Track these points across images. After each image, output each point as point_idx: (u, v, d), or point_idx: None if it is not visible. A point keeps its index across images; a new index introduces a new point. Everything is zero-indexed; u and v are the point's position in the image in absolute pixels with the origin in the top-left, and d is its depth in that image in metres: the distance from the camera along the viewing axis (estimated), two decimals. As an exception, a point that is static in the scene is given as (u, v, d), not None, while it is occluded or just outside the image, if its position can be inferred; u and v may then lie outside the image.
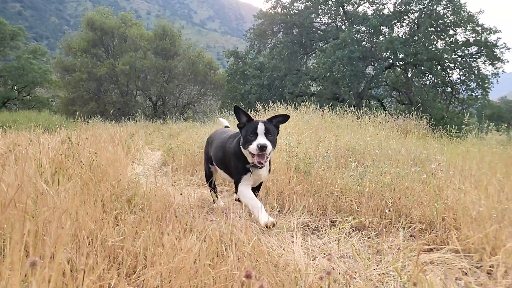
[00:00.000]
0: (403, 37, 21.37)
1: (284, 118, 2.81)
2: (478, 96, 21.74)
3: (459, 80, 22.02)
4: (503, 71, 21.52)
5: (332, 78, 21.36)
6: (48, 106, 31.11)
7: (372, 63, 22.31)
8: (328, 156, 4.28)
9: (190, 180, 4.47)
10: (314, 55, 24.87)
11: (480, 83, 21.03)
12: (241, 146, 2.76)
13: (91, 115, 17.83)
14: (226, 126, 3.89)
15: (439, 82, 21.93)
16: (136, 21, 30.88)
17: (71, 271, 1.89)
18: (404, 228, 2.78)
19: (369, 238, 2.70)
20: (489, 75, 21.30)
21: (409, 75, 22.54)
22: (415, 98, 21.36)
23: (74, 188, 2.76)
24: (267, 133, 2.64)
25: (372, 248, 2.50)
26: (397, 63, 22.23)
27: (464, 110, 20.61)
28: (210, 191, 3.54)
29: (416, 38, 20.91)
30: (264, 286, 0.80)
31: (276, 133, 2.76)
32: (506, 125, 7.00)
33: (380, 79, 22.76)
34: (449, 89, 22.27)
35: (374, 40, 21.67)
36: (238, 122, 2.81)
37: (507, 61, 21.53)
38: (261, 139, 2.59)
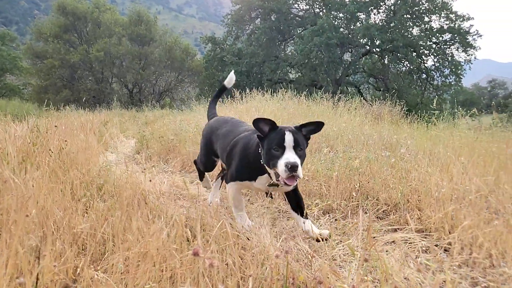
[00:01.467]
0: (380, 23, 21.60)
1: (318, 126, 2.22)
2: (452, 83, 22.33)
3: (433, 67, 22.52)
4: (475, 58, 22.11)
5: (310, 64, 21.46)
6: (20, 94, 30.03)
7: (350, 49, 22.51)
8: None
9: (163, 168, 4.47)
10: (292, 41, 24.84)
11: (454, 69, 21.58)
12: (264, 164, 2.21)
13: (65, 103, 17.39)
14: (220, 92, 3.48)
15: (415, 68, 22.36)
16: (110, 6, 29.99)
17: (38, 258, 1.88)
18: (368, 210, 2.88)
19: (336, 220, 2.78)
20: (462, 62, 21.87)
21: (386, 62, 22.87)
22: (391, 84, 21.75)
23: (42, 177, 2.73)
24: (296, 146, 2.08)
25: (338, 229, 2.58)
26: (374, 49, 22.50)
27: (438, 96, 21.12)
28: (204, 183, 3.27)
29: (392, 24, 21.17)
30: (214, 263, 0.84)
31: (306, 145, 2.22)
32: (474, 109, 7.25)
33: (357, 66, 23.03)
34: (424, 76, 22.76)
35: (351, 27, 21.82)
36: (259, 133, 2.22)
37: (479, 48, 22.13)
38: (290, 155, 2.03)
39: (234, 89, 8.98)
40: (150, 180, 2.96)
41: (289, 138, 2.07)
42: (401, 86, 21.22)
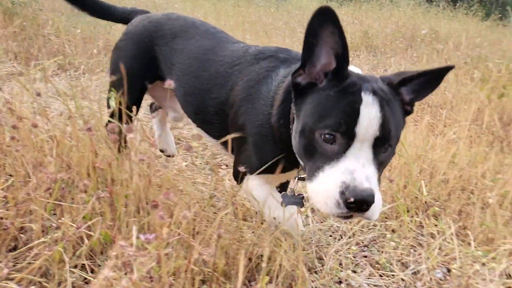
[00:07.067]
0: None
1: (438, 80, 1.03)
2: None
3: None
4: None
5: None
6: None
7: None
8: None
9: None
10: None
11: None
12: (295, 151, 1.03)
13: None
14: None
15: None
16: None
17: None
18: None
19: (77, 79, 2.77)
20: None
21: None
22: None
23: None
24: (383, 139, 0.88)
25: (80, 86, 2.58)
26: None
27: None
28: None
29: None
30: None
31: (402, 127, 1.02)
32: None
33: None
34: None
35: None
36: (300, 60, 0.94)
37: None
38: (360, 165, 0.85)
39: None
40: None
41: (370, 116, 0.86)
42: None
